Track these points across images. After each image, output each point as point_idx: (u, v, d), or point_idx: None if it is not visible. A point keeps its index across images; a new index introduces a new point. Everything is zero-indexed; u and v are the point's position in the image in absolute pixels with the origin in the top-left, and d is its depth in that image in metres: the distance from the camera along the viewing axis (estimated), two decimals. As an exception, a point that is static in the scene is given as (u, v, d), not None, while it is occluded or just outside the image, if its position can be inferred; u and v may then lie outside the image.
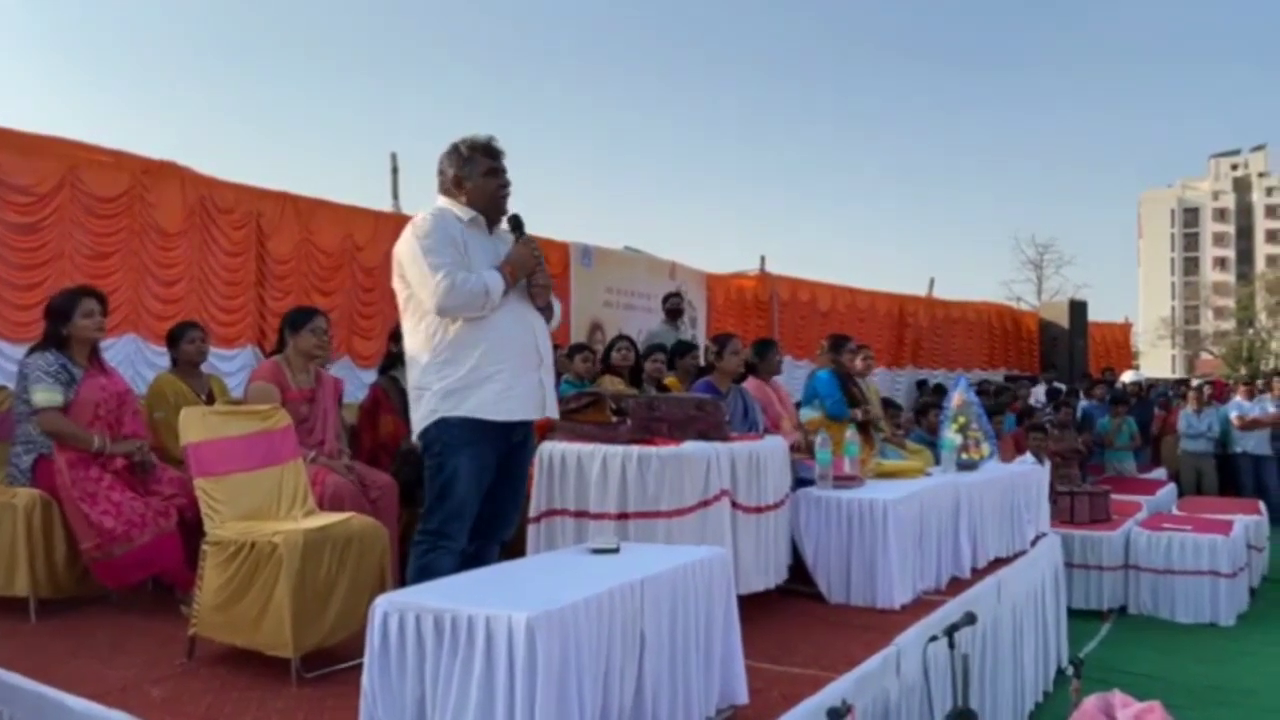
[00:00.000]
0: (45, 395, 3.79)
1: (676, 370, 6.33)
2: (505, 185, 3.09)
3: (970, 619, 3.58)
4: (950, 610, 4.14)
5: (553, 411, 3.14)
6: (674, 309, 8.06)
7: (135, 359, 5.25)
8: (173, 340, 4.81)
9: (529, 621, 2.08)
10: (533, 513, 3.86)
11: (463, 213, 3.10)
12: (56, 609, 3.81)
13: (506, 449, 3.05)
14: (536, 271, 3.04)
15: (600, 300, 8.85)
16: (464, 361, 2.95)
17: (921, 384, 13.04)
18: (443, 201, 3.15)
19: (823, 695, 3.02)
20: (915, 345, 14.01)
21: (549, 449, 3.86)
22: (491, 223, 3.14)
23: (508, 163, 3.19)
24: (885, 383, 13.21)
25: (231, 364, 5.82)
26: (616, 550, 2.85)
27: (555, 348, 5.26)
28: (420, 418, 3.03)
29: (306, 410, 4.28)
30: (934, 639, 3.50)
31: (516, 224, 3.11)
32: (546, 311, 3.17)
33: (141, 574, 3.81)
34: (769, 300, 11.78)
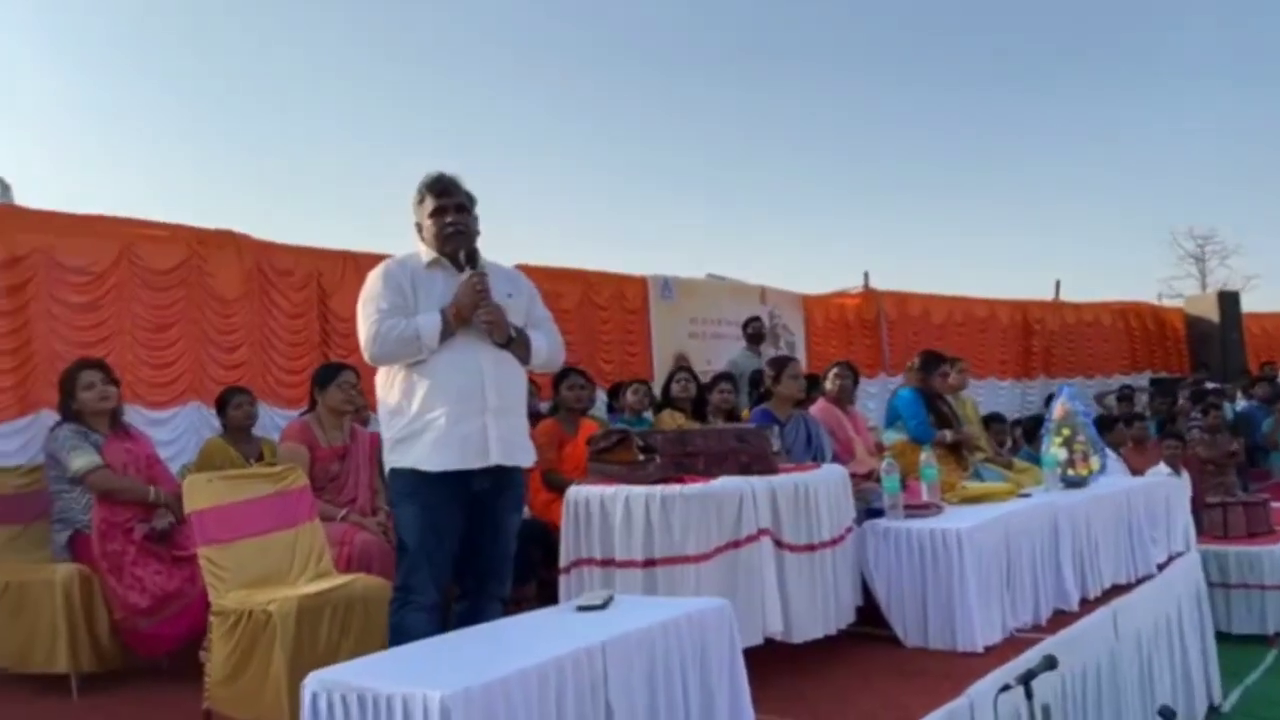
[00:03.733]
0: (84, 460, 3.83)
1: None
2: (449, 223, 2.92)
3: (1050, 664, 3.08)
4: (1042, 651, 3.63)
5: (504, 458, 2.87)
6: (755, 334, 7.71)
7: (200, 426, 5.33)
8: (221, 406, 4.86)
9: (443, 700, 1.84)
10: (562, 562, 3.61)
11: (425, 255, 2.98)
12: (100, 683, 3.79)
13: (467, 500, 2.83)
14: (479, 308, 2.82)
15: (684, 332, 8.59)
16: (407, 410, 2.82)
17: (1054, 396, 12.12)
18: (417, 246, 3.03)
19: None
20: (1045, 354, 13.07)
21: (575, 494, 3.62)
22: (457, 263, 2.95)
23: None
24: (1014, 397, 12.38)
25: (298, 424, 5.84)
26: (604, 606, 2.56)
27: (580, 382, 5.03)
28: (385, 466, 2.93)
29: (338, 468, 4.20)
30: (1005, 689, 3.03)
31: (469, 259, 2.90)
32: (517, 348, 2.93)
33: (168, 645, 3.76)
34: (875, 318, 11.22)
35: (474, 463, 2.82)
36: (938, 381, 5.29)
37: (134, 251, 5.18)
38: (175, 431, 5.26)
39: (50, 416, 4.75)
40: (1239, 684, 5.76)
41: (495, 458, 2.85)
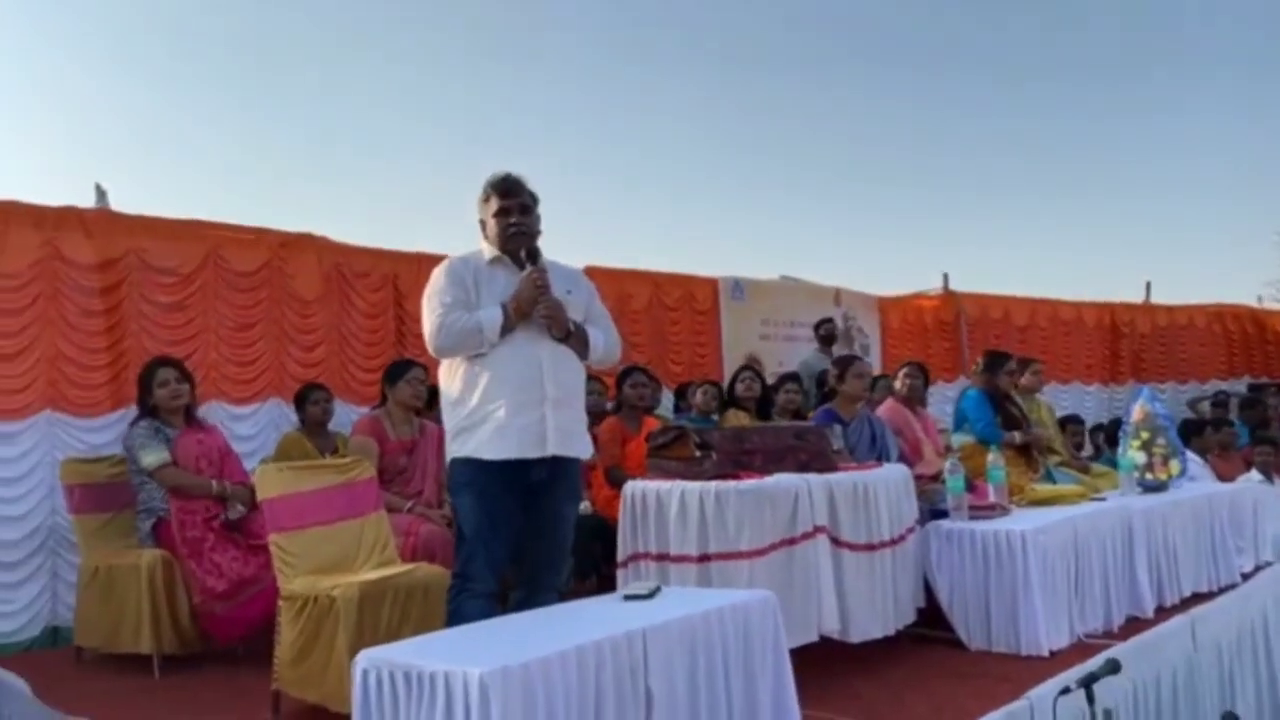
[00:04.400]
0: (154, 456, 4.03)
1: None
2: (512, 224, 2.99)
3: (1113, 667, 3.00)
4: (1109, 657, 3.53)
5: (562, 449, 2.91)
6: (828, 335, 7.65)
7: (280, 422, 5.51)
8: (299, 402, 5.04)
9: (482, 677, 1.90)
10: (620, 556, 3.66)
11: (488, 252, 3.06)
12: (181, 664, 3.97)
13: (524, 490, 2.88)
14: (539, 302, 2.88)
15: (756, 333, 8.53)
16: (468, 401, 2.90)
17: (1144, 400, 11.69)
18: (481, 243, 3.11)
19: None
20: (1134, 358, 12.61)
21: (632, 489, 3.66)
22: (518, 260, 3.02)
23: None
24: (1101, 402, 11.98)
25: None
26: (650, 596, 2.59)
27: (642, 380, 5.06)
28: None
29: (405, 461, 4.32)
30: (1065, 691, 2.95)
31: (530, 255, 2.97)
32: (575, 342, 2.98)
33: (243, 630, 3.91)
34: (955, 320, 10.98)
35: (532, 452, 2.87)
36: (1003, 380, 5.17)
37: (219, 254, 5.40)
38: (256, 426, 5.45)
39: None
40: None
41: (553, 448, 2.90)
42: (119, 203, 5.20)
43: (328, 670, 3.12)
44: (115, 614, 4.01)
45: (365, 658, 2.16)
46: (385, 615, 3.18)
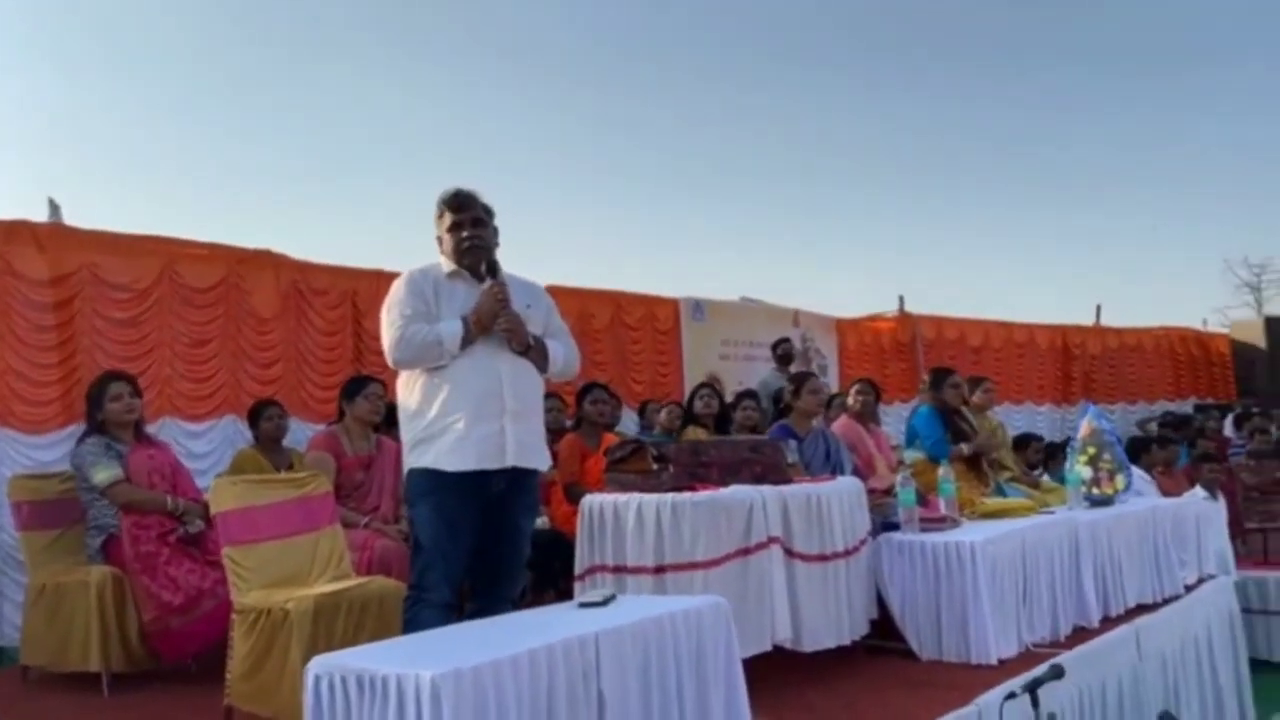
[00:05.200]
0: (106, 473, 3.97)
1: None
2: (465, 238, 3.03)
3: (1057, 673, 3.07)
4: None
5: (521, 460, 2.94)
6: (785, 355, 7.75)
7: (235, 439, 5.48)
8: (253, 418, 5.01)
9: (434, 680, 1.91)
10: (578, 570, 3.67)
11: (446, 266, 3.09)
12: (131, 682, 3.90)
13: (482, 502, 2.90)
14: (500, 316, 2.91)
15: (716, 353, 8.64)
16: (427, 413, 2.91)
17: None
18: (440, 257, 3.14)
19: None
20: (1085, 379, 12.91)
21: (590, 502, 3.68)
22: (477, 274, 3.05)
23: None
24: (1053, 422, 12.22)
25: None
26: (604, 603, 2.61)
27: (602, 397, 5.09)
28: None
29: (362, 476, 4.31)
30: (1011, 696, 3.02)
31: (490, 270, 3.01)
32: (535, 355, 3.02)
33: (197, 645, 3.86)
34: (910, 342, 11.17)
35: (491, 464, 2.89)
36: (950, 395, 5.27)
37: (175, 270, 5.38)
38: (211, 444, 5.42)
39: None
40: (1279, 712, 5.62)
41: (512, 460, 2.92)
42: (72, 217, 5.17)
43: (281, 684, 3.10)
44: (63, 632, 3.94)
45: (317, 664, 2.16)
46: (340, 628, 3.17)
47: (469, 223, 3.04)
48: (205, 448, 5.40)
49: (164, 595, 3.81)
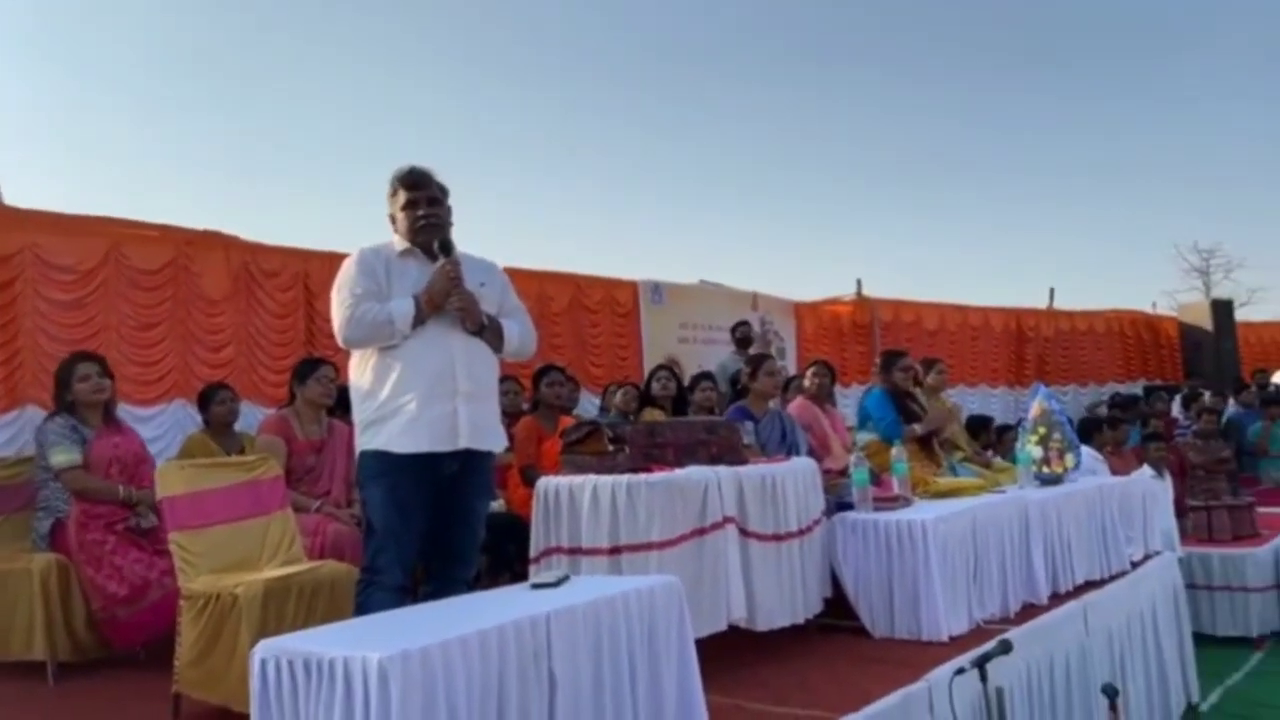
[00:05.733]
0: (63, 456, 3.89)
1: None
2: (421, 215, 2.99)
3: (1005, 648, 3.13)
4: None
5: (474, 442, 2.91)
6: (743, 337, 7.77)
7: (185, 424, 5.39)
8: (204, 403, 4.92)
9: (381, 662, 1.89)
10: (533, 552, 3.66)
11: (399, 245, 3.04)
12: (78, 671, 3.84)
13: (435, 484, 2.87)
14: (452, 294, 2.88)
15: (675, 336, 8.65)
16: (379, 393, 2.87)
17: (1047, 402, 12.13)
18: (391, 236, 3.09)
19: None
20: (1039, 361, 13.12)
21: (545, 484, 3.66)
22: (430, 252, 3.01)
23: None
24: (1007, 404, 12.41)
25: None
26: (557, 584, 2.60)
27: (559, 379, 5.08)
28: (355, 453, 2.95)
29: (314, 460, 4.26)
30: (960, 672, 3.07)
31: (443, 248, 2.97)
32: (489, 336, 2.99)
33: (145, 635, 3.81)
34: (868, 325, 11.27)
35: (443, 445, 2.86)
36: (899, 377, 5.32)
37: (121, 251, 5.26)
38: (160, 429, 5.32)
39: (35, 412, 4.84)
40: (1220, 684, 5.78)
41: (464, 441, 2.89)
42: (13, 197, 5.03)
43: (230, 670, 3.05)
44: (5, 620, 3.86)
45: (263, 648, 2.13)
46: (290, 612, 3.13)
47: (424, 201, 3.00)
48: (154, 432, 5.30)
49: (109, 586, 3.75)
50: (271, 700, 2.09)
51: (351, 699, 1.93)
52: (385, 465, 2.83)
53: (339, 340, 2.94)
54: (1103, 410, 11.13)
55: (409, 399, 2.82)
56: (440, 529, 2.93)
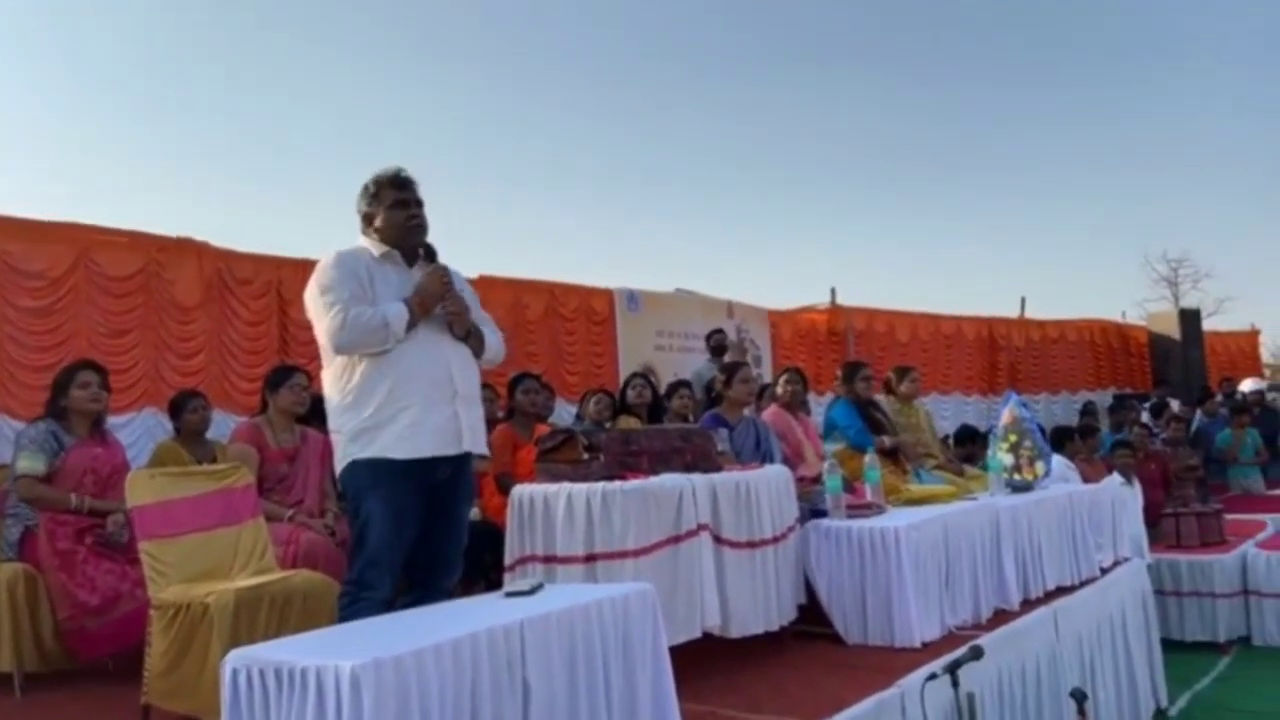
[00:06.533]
0: (26, 463, 3.85)
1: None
2: (413, 216, 2.99)
3: (976, 654, 3.16)
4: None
5: (473, 446, 2.94)
6: (718, 345, 7.81)
7: (157, 432, 5.34)
8: (175, 410, 4.87)
9: (353, 670, 1.88)
10: (508, 560, 3.65)
11: (376, 249, 3.01)
12: (45, 682, 3.78)
13: (429, 489, 2.87)
14: (446, 299, 2.89)
15: (651, 344, 8.67)
16: (371, 401, 2.82)
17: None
18: (360, 241, 3.07)
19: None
20: (1011, 370, 13.25)
21: (520, 492, 3.66)
22: (408, 257, 3.01)
23: (425, 194, 3.10)
24: (980, 412, 12.52)
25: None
26: (531, 592, 2.61)
27: (534, 387, 5.09)
28: (337, 463, 2.92)
29: (287, 469, 4.23)
30: (932, 678, 3.10)
31: (429, 253, 2.98)
32: (473, 341, 3.00)
33: (112, 647, 3.76)
34: (843, 333, 11.35)
35: (447, 450, 2.86)
36: (860, 388, 5.38)
37: (91, 257, 5.21)
38: (131, 436, 5.26)
39: (4, 421, 4.78)
40: (1188, 689, 5.86)
41: (467, 444, 2.91)
42: (-20, 203, 4.98)
43: (200, 681, 3.02)
44: (-29, 630, 3.80)
45: (235, 657, 2.12)
46: (262, 622, 3.11)
47: (414, 202, 3.00)
48: (124, 441, 5.20)
49: (80, 595, 3.71)
50: (243, 710, 2.08)
51: (324, 709, 1.93)
52: (381, 473, 2.79)
53: (331, 346, 2.86)
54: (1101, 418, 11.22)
55: (408, 404, 2.80)
56: (427, 537, 2.92)
